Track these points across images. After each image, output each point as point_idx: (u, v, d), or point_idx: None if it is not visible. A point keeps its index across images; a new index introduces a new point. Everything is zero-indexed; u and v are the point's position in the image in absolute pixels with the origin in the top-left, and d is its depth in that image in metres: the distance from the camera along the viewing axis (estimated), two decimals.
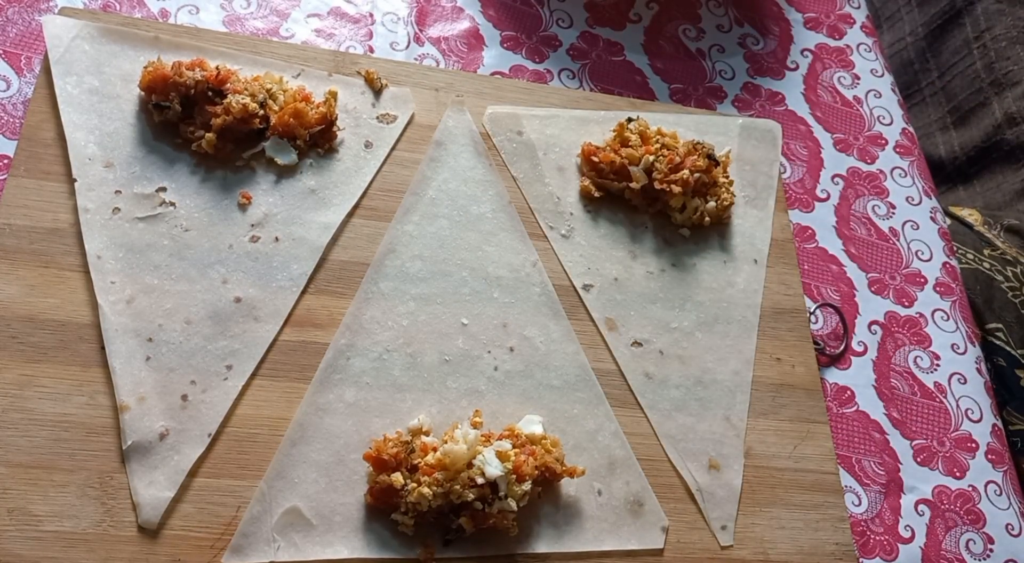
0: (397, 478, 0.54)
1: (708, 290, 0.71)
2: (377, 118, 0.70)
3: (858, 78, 0.92)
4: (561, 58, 0.82)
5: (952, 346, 0.78)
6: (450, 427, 0.59)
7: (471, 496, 0.54)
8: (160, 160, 0.63)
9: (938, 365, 0.77)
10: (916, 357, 0.77)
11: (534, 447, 0.58)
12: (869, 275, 0.80)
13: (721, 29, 0.90)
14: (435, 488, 0.53)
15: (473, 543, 0.56)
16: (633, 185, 0.70)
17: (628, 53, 0.84)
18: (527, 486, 0.55)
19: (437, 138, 0.70)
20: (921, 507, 0.69)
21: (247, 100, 0.63)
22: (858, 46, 0.94)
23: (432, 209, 0.67)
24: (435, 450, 0.55)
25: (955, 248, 0.86)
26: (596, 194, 0.71)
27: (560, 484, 0.59)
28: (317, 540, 0.54)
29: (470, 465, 0.55)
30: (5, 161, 0.61)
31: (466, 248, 0.67)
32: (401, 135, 0.70)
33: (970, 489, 0.71)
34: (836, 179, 0.84)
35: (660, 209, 0.72)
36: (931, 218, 0.85)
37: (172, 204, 0.61)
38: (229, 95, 0.63)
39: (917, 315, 0.79)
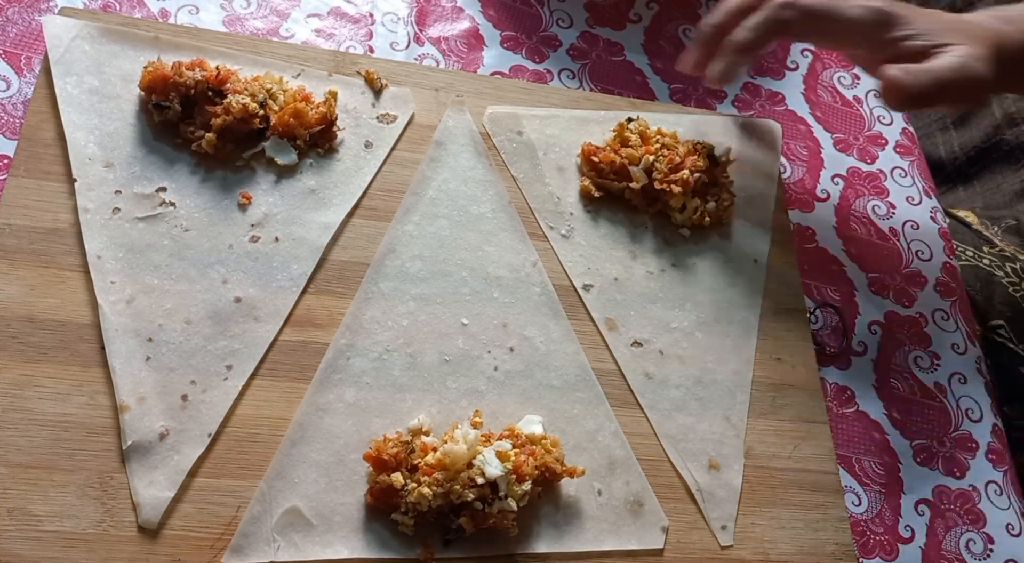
0: (397, 478, 0.54)
1: (708, 290, 0.71)
2: (377, 118, 0.70)
3: (858, 78, 0.92)
4: (561, 58, 0.82)
5: (952, 346, 0.78)
6: (450, 427, 0.59)
7: (471, 496, 0.54)
8: (160, 160, 0.63)
9: (938, 365, 0.77)
10: (916, 357, 0.77)
11: (534, 447, 0.58)
12: (869, 275, 0.80)
13: None
14: (435, 488, 0.53)
15: (473, 543, 0.56)
16: (633, 185, 0.70)
17: (628, 53, 0.84)
18: (527, 486, 0.55)
19: (437, 138, 0.70)
20: (921, 507, 0.69)
21: (247, 100, 0.63)
22: None
23: (432, 209, 0.67)
24: (435, 450, 0.55)
25: (954, 246, 0.86)
26: (596, 194, 0.71)
27: (560, 484, 0.59)
28: (317, 540, 0.54)
29: (470, 465, 0.55)
30: (5, 161, 0.61)
31: (466, 248, 0.67)
32: (401, 135, 0.70)
33: (970, 489, 0.71)
34: (836, 179, 0.84)
35: (660, 209, 0.72)
36: (931, 218, 0.85)
37: (172, 204, 0.61)
38: (229, 95, 0.63)
39: (917, 315, 0.79)
